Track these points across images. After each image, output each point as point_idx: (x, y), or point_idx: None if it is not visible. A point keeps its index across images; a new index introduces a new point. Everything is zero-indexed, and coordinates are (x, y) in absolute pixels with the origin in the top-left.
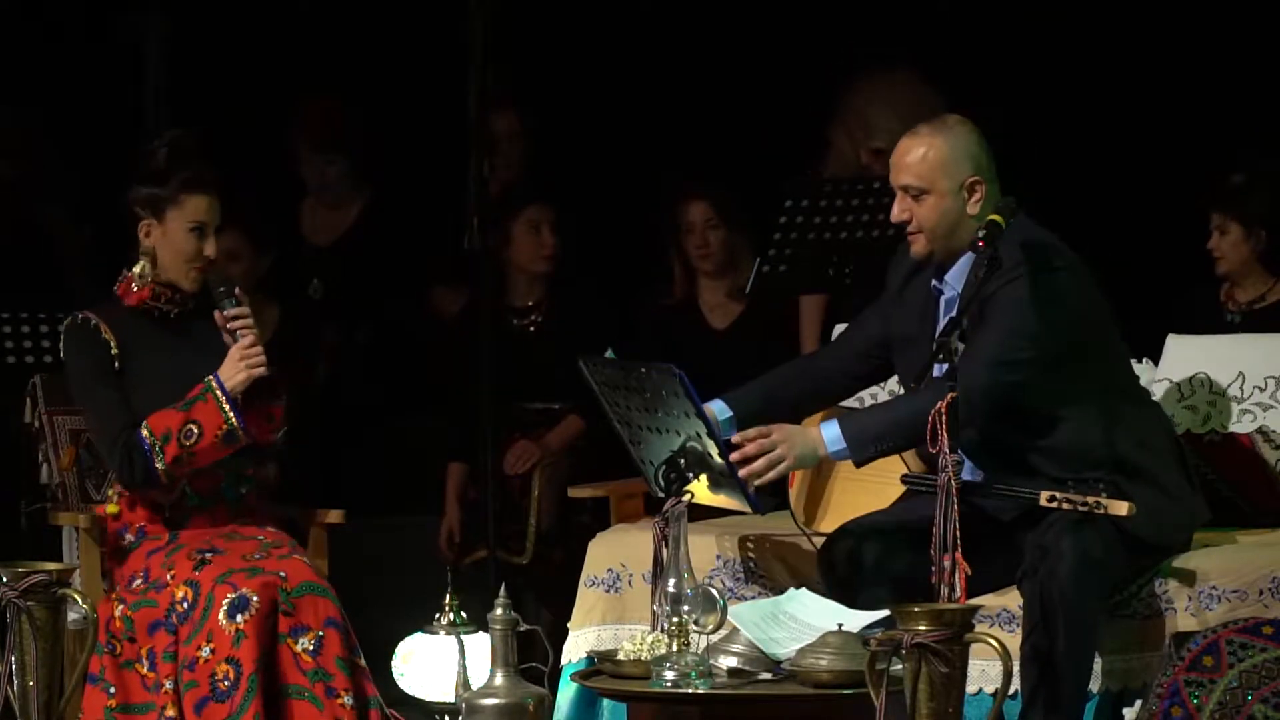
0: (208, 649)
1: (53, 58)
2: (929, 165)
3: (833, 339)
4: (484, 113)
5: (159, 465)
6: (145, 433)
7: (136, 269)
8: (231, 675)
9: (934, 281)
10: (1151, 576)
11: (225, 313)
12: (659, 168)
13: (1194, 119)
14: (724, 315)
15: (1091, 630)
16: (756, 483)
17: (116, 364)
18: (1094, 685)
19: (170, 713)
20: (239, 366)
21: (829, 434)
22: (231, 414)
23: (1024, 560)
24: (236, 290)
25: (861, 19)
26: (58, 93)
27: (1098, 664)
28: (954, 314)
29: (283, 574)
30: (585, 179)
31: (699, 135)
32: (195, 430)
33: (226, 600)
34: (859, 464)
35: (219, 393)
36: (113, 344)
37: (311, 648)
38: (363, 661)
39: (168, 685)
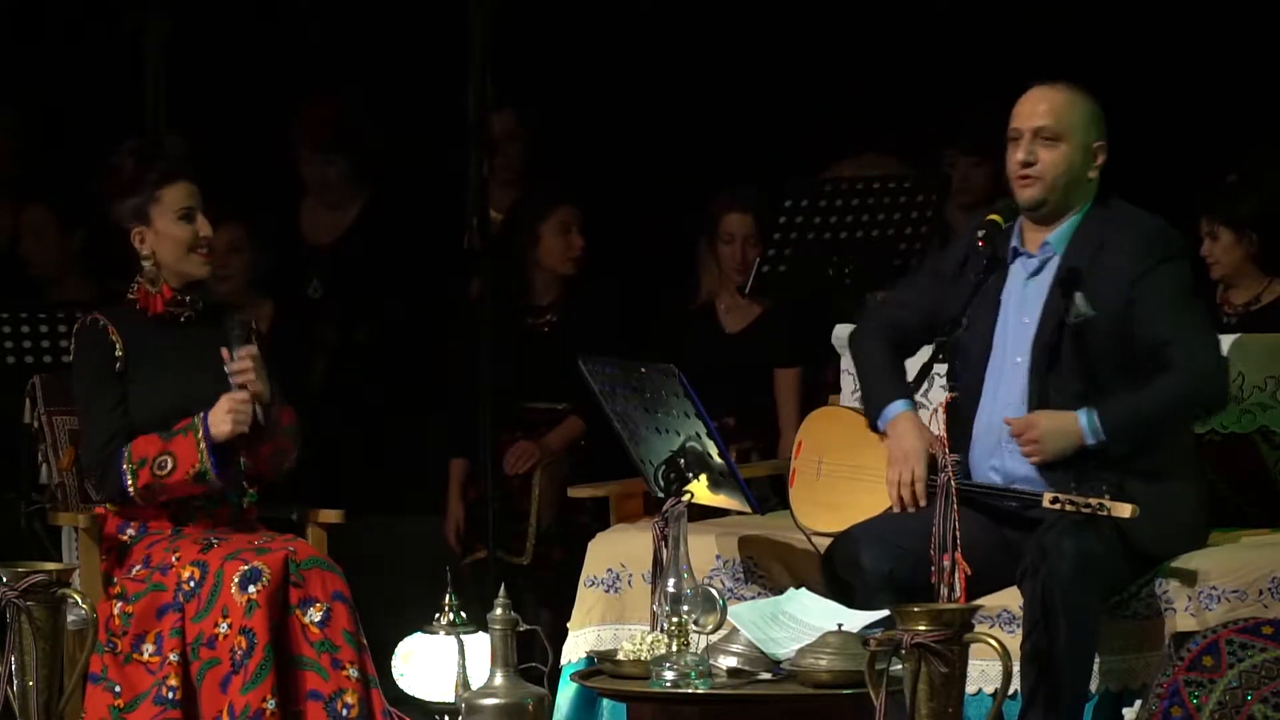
0: (225, 625)
1: (52, 58)
2: (1074, 114)
3: (871, 307)
4: (484, 112)
5: (130, 485)
6: (126, 453)
7: (145, 276)
8: (244, 645)
9: (1014, 244)
10: (1152, 577)
11: (230, 364)
12: (665, 168)
13: (1192, 120)
14: (738, 318)
15: (1091, 630)
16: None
17: (119, 365)
18: (1094, 685)
19: (173, 682)
20: (225, 418)
21: (1087, 424)
22: (207, 458)
23: (1024, 560)
24: (253, 325)
25: (860, 18)
26: (57, 94)
27: (1097, 664)
28: (1054, 274)
29: (291, 549)
30: (594, 180)
31: (700, 135)
32: (169, 463)
33: (238, 574)
34: (1115, 455)
35: (200, 433)
36: (119, 346)
37: (319, 619)
38: (364, 640)
39: (172, 657)
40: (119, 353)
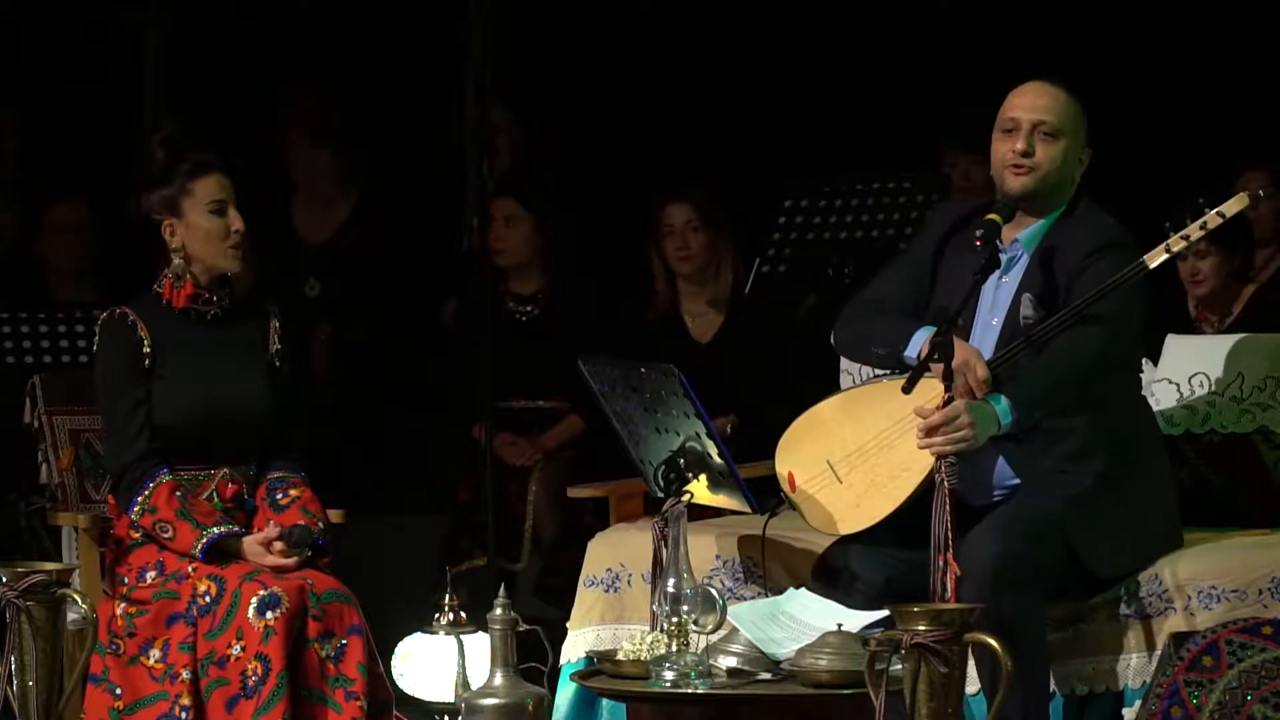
0: (238, 647)
1: (51, 58)
2: (1070, 114)
3: (869, 296)
4: (483, 111)
5: (134, 515)
6: (150, 487)
7: (172, 270)
8: (260, 671)
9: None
10: (1152, 575)
11: (279, 545)
12: (657, 166)
13: (1196, 122)
14: (706, 326)
15: (1021, 630)
16: (939, 452)
17: (146, 362)
18: (1094, 687)
19: (185, 701)
20: (254, 555)
21: (1000, 406)
22: (198, 553)
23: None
24: (316, 541)
25: (858, 17)
26: (56, 94)
27: (1099, 664)
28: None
29: (309, 580)
30: (590, 178)
31: (699, 134)
32: (170, 530)
33: (256, 598)
34: (1022, 430)
35: (200, 548)
36: (147, 342)
37: (334, 654)
38: (380, 669)
39: (184, 675)
40: (147, 349)
